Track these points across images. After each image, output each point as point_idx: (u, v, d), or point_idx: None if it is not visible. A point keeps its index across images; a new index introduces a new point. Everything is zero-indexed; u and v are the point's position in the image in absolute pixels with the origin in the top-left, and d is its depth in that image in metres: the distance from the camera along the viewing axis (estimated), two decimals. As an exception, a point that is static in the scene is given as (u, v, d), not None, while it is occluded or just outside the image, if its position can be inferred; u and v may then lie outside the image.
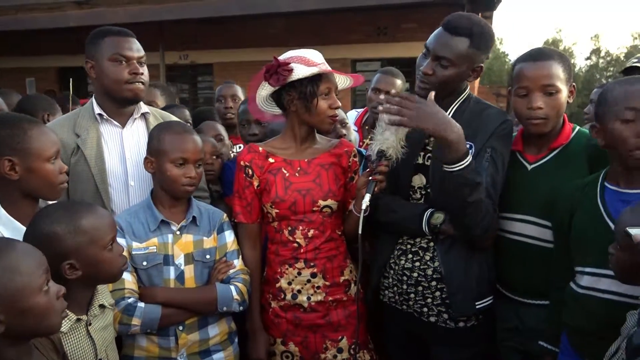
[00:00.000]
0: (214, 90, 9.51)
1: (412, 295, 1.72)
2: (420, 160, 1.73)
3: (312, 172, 1.77)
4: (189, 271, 1.70)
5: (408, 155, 1.61)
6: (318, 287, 1.76)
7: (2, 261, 1.00)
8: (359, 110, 3.23)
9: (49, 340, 1.19)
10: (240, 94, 3.10)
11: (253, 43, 8.52)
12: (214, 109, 3.23)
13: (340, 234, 1.82)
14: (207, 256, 1.73)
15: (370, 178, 1.54)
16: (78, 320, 1.32)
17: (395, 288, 1.76)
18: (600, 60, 28.70)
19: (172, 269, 1.67)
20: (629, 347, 0.92)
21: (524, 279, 1.71)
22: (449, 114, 1.68)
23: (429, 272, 1.69)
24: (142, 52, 1.86)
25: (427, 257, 1.70)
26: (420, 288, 1.70)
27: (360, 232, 1.49)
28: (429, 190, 1.70)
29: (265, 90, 1.76)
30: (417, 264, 1.71)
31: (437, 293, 1.68)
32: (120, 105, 1.88)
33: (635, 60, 2.59)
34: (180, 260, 1.68)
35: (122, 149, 1.89)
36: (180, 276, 1.68)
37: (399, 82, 2.85)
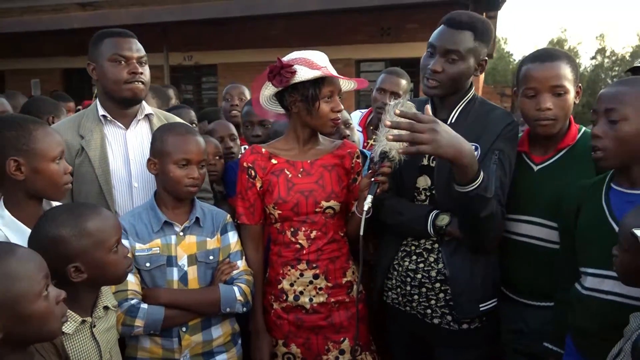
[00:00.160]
0: (218, 91, 9.59)
1: (416, 297, 1.72)
2: (425, 162, 1.72)
3: (314, 173, 1.77)
4: (192, 272, 1.70)
5: (412, 157, 1.60)
6: (320, 289, 1.75)
7: (1, 267, 1.00)
8: (363, 110, 3.22)
9: (51, 344, 1.19)
10: (247, 94, 3.12)
11: (257, 44, 8.54)
12: (219, 109, 3.24)
13: (342, 235, 1.81)
14: (211, 257, 1.73)
15: (372, 179, 1.54)
16: (83, 322, 1.33)
17: (399, 289, 1.76)
18: (606, 60, 28.58)
19: (175, 270, 1.67)
20: (635, 350, 0.91)
21: (530, 280, 1.70)
22: (454, 114, 1.68)
23: (433, 273, 1.68)
24: (142, 52, 1.86)
25: (432, 259, 1.69)
26: (424, 289, 1.70)
27: (362, 233, 1.48)
28: (433, 191, 1.69)
29: (268, 90, 1.76)
30: (421, 265, 1.70)
31: (441, 295, 1.68)
32: (122, 106, 1.89)
33: None
34: (183, 261, 1.68)
35: (125, 150, 1.90)
36: (183, 277, 1.68)
37: (403, 82, 2.84)
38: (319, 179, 1.76)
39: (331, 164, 1.79)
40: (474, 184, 1.42)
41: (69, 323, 1.28)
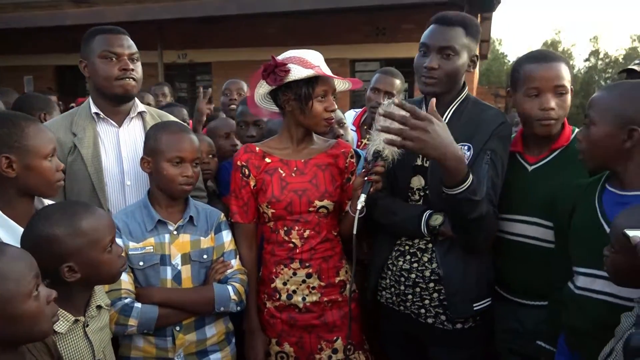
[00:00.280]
0: (212, 89, 9.56)
1: (410, 297, 1.72)
2: (418, 162, 1.72)
3: (308, 172, 1.77)
4: (186, 271, 1.69)
5: (406, 157, 1.61)
6: (313, 288, 1.75)
7: None
8: (357, 110, 3.22)
9: (43, 344, 1.19)
10: (246, 89, 3.14)
11: (251, 42, 8.52)
12: (218, 107, 3.25)
13: (336, 234, 1.81)
14: (205, 256, 1.73)
15: (366, 178, 1.54)
16: (75, 321, 1.32)
17: (393, 289, 1.76)
18: (599, 62, 28.80)
19: (169, 269, 1.66)
20: (626, 349, 0.92)
21: (524, 280, 1.71)
22: (447, 114, 1.69)
23: (427, 273, 1.69)
24: (133, 49, 1.85)
25: (425, 259, 1.70)
26: (417, 289, 1.70)
27: (355, 232, 1.48)
28: (427, 192, 1.70)
29: (263, 88, 1.76)
30: (415, 265, 1.71)
31: (435, 294, 1.68)
32: (114, 103, 1.88)
33: (638, 62, 2.58)
34: (177, 260, 1.68)
35: (118, 148, 1.88)
36: (177, 276, 1.67)
37: (398, 82, 2.85)
38: (313, 178, 1.76)
39: (325, 164, 1.79)
40: (461, 187, 1.43)
41: (61, 322, 1.27)
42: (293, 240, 1.75)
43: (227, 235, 1.79)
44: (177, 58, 9.54)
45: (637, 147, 1.35)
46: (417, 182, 1.73)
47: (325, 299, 1.76)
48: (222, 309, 1.68)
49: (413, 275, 1.71)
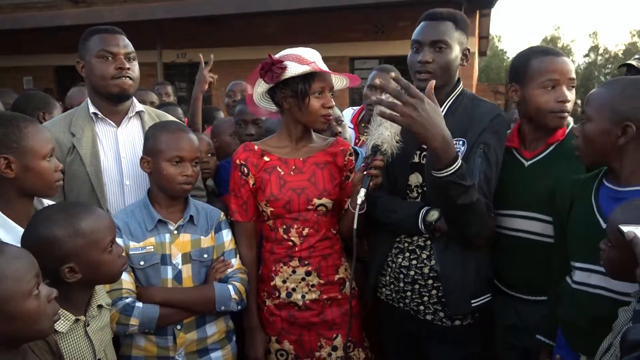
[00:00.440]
0: (211, 88, 9.56)
1: (409, 294, 1.73)
2: (416, 159, 1.73)
3: (307, 171, 1.77)
4: (187, 271, 1.69)
5: (404, 155, 1.61)
6: (312, 286, 1.76)
7: None
8: (355, 108, 3.23)
9: (45, 343, 1.19)
10: (250, 91, 3.11)
11: (251, 41, 8.52)
12: (216, 107, 3.24)
13: (335, 232, 1.82)
14: (205, 255, 1.73)
15: (365, 173, 1.54)
16: (76, 321, 1.32)
17: (392, 286, 1.77)
18: (599, 58, 28.77)
19: (169, 268, 1.67)
20: (623, 343, 0.92)
21: (525, 275, 1.71)
22: (443, 109, 1.69)
23: (426, 270, 1.69)
24: (129, 48, 1.86)
25: (424, 256, 1.70)
26: (416, 286, 1.71)
27: (355, 226, 1.48)
28: (425, 188, 1.70)
29: (261, 87, 1.77)
30: (414, 262, 1.71)
31: (434, 292, 1.69)
32: (111, 103, 1.88)
33: (638, 57, 2.58)
34: (177, 259, 1.68)
35: (117, 148, 1.89)
36: (177, 276, 1.68)
37: None
38: (311, 176, 1.76)
39: (323, 162, 1.80)
40: (448, 169, 1.42)
41: (62, 322, 1.28)
42: (292, 238, 1.75)
43: (227, 235, 1.79)
44: (177, 57, 9.54)
45: (632, 143, 1.36)
46: (415, 179, 1.73)
47: (325, 296, 1.77)
48: (222, 308, 1.68)
49: (412, 273, 1.71)
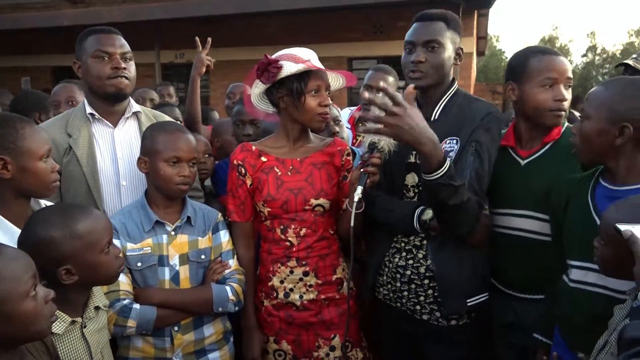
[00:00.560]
0: (209, 89, 9.56)
1: (405, 293, 1.73)
2: (412, 159, 1.73)
3: (304, 171, 1.77)
4: (184, 272, 1.69)
5: (400, 155, 1.61)
6: (310, 286, 1.76)
7: None
8: (352, 108, 3.24)
9: (42, 344, 1.19)
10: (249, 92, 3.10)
11: (249, 42, 8.52)
12: (213, 108, 3.23)
13: (332, 232, 1.82)
14: (202, 256, 1.73)
15: (362, 170, 1.54)
16: (73, 322, 1.32)
17: (390, 285, 1.77)
18: (597, 58, 28.81)
19: (167, 269, 1.67)
20: (620, 341, 0.93)
21: (522, 274, 1.72)
22: (437, 111, 1.71)
23: (422, 270, 1.69)
24: (125, 48, 1.85)
25: (420, 255, 1.71)
26: (413, 286, 1.71)
27: (352, 224, 1.48)
28: (421, 188, 1.70)
29: (258, 88, 1.77)
30: (411, 262, 1.72)
31: (430, 291, 1.69)
32: (108, 103, 1.87)
33: (635, 56, 2.58)
34: (175, 260, 1.68)
35: (113, 149, 1.88)
36: (175, 277, 1.67)
37: (390, 78, 2.86)
38: (308, 176, 1.76)
39: (321, 162, 1.80)
40: (438, 171, 1.44)
41: (58, 323, 1.27)
42: (289, 238, 1.75)
43: (224, 235, 1.79)
44: (175, 58, 9.52)
45: (629, 143, 1.36)
46: (411, 179, 1.74)
47: (323, 296, 1.77)
48: (220, 309, 1.68)
49: (408, 272, 1.72)
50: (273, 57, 1.70)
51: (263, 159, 1.78)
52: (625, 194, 1.33)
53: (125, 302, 1.57)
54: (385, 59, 7.75)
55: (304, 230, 1.75)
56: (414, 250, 1.72)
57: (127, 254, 1.62)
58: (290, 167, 1.77)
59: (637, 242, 1.02)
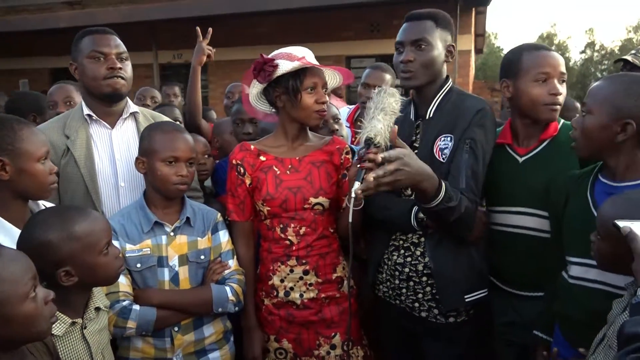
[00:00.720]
0: (208, 89, 9.56)
1: (404, 291, 1.73)
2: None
3: (303, 170, 1.77)
4: (184, 272, 1.69)
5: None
6: (310, 284, 1.76)
7: None
8: (351, 107, 3.24)
9: (43, 344, 1.19)
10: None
11: (247, 41, 8.51)
12: (211, 107, 3.22)
13: (332, 231, 1.82)
14: (202, 257, 1.73)
15: (359, 166, 1.53)
16: (73, 323, 1.32)
17: (389, 283, 1.78)
18: (595, 54, 28.84)
19: (166, 270, 1.66)
20: (620, 336, 0.92)
21: (522, 271, 1.72)
22: (431, 110, 1.71)
23: (420, 267, 1.70)
24: (121, 48, 1.85)
25: (418, 253, 1.71)
26: (411, 283, 1.72)
27: (350, 220, 1.47)
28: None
29: (255, 88, 1.77)
30: (409, 259, 1.72)
31: (428, 288, 1.70)
32: (105, 104, 1.87)
33: (634, 52, 2.58)
34: (174, 261, 1.68)
35: (111, 150, 1.88)
36: (174, 277, 1.67)
37: (388, 76, 2.86)
38: (308, 175, 1.76)
39: (320, 161, 1.80)
40: (436, 199, 1.46)
41: (58, 325, 1.28)
42: (289, 237, 1.75)
43: (224, 236, 1.79)
44: (173, 58, 9.52)
45: (630, 140, 1.36)
46: None
47: (323, 295, 1.77)
48: (219, 309, 1.68)
49: (407, 270, 1.72)
50: (269, 56, 1.70)
51: (262, 158, 1.78)
52: (624, 190, 1.33)
53: (125, 303, 1.57)
54: (382, 57, 7.74)
55: (303, 229, 1.75)
56: (412, 247, 1.72)
57: (127, 255, 1.62)
58: (289, 166, 1.77)
59: (636, 238, 1.02)
